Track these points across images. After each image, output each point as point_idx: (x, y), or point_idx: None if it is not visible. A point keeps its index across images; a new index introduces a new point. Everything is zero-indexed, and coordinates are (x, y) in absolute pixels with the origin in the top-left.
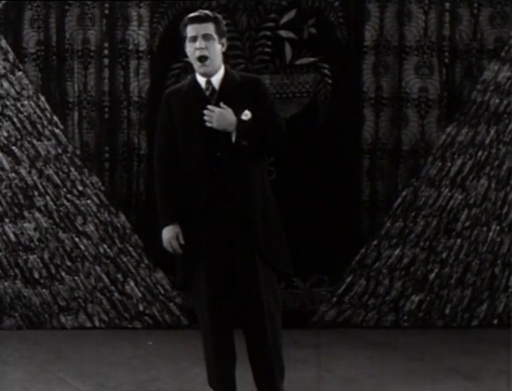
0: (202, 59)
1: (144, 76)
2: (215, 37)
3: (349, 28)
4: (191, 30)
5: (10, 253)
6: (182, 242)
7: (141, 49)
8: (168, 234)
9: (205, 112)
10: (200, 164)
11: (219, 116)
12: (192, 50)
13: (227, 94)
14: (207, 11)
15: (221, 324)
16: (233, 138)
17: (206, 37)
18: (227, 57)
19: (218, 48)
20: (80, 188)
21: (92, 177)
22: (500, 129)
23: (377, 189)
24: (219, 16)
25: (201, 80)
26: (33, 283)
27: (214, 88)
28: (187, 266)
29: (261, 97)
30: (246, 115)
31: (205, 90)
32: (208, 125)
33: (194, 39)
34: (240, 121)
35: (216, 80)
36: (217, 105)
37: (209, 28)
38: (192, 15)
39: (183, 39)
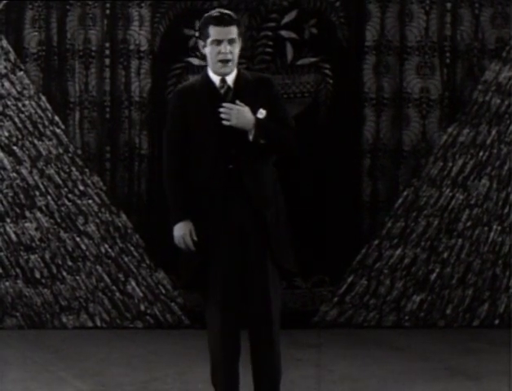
0: (225, 61)
1: (145, 76)
2: (238, 40)
3: (350, 28)
4: (215, 33)
5: (11, 253)
6: (195, 238)
7: (142, 49)
8: (180, 230)
9: (222, 109)
10: (215, 162)
11: (238, 113)
12: (214, 52)
13: (241, 92)
14: (230, 13)
15: (231, 324)
16: (250, 137)
17: (231, 41)
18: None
19: (238, 50)
20: (81, 188)
21: (93, 177)
22: (502, 130)
23: (378, 189)
24: (238, 17)
25: (215, 78)
26: (35, 283)
27: (229, 86)
28: (195, 265)
29: (273, 96)
30: (261, 113)
31: (220, 88)
32: (225, 123)
33: (219, 43)
34: (257, 120)
35: (230, 78)
36: (232, 103)
37: (233, 31)
38: (216, 15)
39: (201, 35)
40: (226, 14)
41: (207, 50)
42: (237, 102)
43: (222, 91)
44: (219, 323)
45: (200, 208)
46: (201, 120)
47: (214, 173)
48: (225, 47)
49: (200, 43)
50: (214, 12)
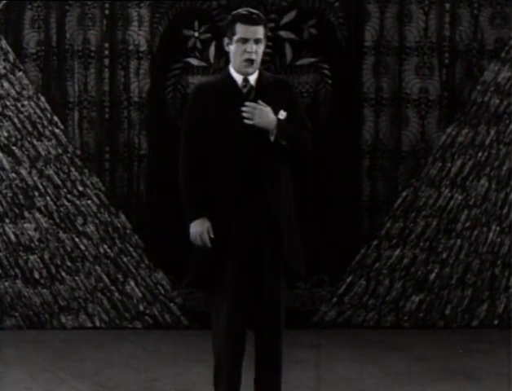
0: (249, 61)
1: (144, 76)
2: (263, 40)
3: (349, 28)
4: (242, 31)
5: (10, 253)
6: (212, 236)
7: (141, 49)
8: (197, 227)
9: (245, 108)
10: (233, 161)
11: (261, 113)
12: (239, 50)
13: (263, 92)
14: (258, 12)
15: (238, 324)
16: (272, 138)
17: (257, 41)
18: None
19: (263, 50)
20: (80, 188)
21: (92, 177)
22: (501, 130)
23: (377, 189)
24: (265, 18)
25: (237, 77)
26: (34, 283)
27: (251, 85)
28: (207, 264)
29: (293, 99)
30: (282, 115)
31: (242, 87)
32: (247, 122)
33: (245, 41)
34: (279, 121)
35: (252, 78)
36: (255, 103)
37: (260, 31)
38: (244, 13)
39: (227, 32)
40: (254, 13)
41: (232, 48)
42: (260, 101)
43: (244, 90)
44: (226, 323)
45: (215, 207)
46: (221, 118)
47: (232, 173)
48: (251, 46)
49: (225, 40)
50: (243, 10)
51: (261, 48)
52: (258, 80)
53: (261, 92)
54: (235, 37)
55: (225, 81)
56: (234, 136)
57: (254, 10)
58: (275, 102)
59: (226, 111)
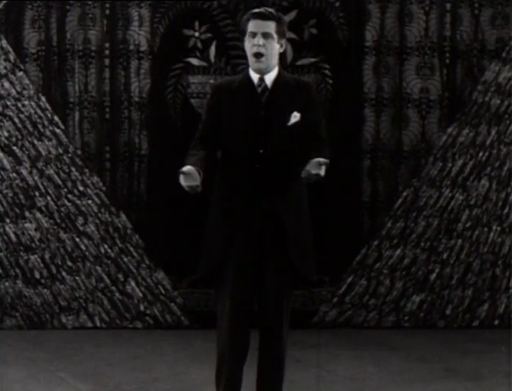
0: (258, 55)
1: (145, 76)
2: (275, 36)
3: (350, 28)
4: (252, 26)
5: (11, 253)
6: (184, 169)
7: (142, 49)
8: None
9: (316, 169)
10: (242, 159)
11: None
12: (249, 45)
13: (279, 93)
14: (272, 10)
15: (241, 323)
16: (303, 174)
17: (266, 35)
18: (282, 58)
19: (275, 48)
20: (81, 188)
21: (93, 177)
22: (501, 130)
23: (377, 189)
24: (283, 17)
25: (254, 76)
26: (34, 283)
27: (266, 85)
28: (213, 262)
29: (311, 103)
30: (295, 116)
31: (257, 87)
32: (314, 176)
33: (253, 35)
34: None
35: (269, 78)
36: (267, 103)
37: (271, 26)
38: (256, 10)
39: (243, 33)
40: (266, 10)
41: (245, 45)
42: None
43: (259, 90)
44: (229, 321)
45: (223, 204)
46: (234, 116)
47: (241, 171)
48: (258, 40)
49: (244, 41)
50: (256, 9)
51: (272, 44)
52: (276, 80)
53: (276, 93)
54: (246, 34)
55: (243, 80)
56: (245, 134)
57: (269, 8)
58: (290, 103)
59: (239, 109)
